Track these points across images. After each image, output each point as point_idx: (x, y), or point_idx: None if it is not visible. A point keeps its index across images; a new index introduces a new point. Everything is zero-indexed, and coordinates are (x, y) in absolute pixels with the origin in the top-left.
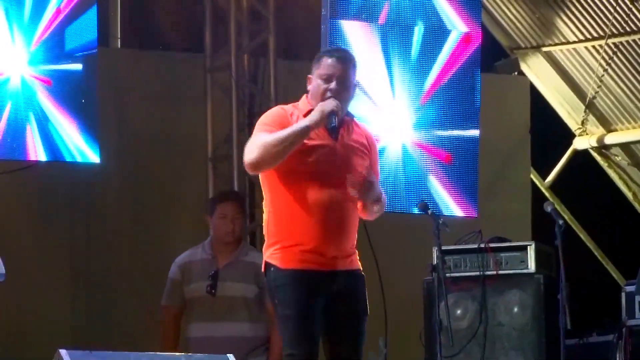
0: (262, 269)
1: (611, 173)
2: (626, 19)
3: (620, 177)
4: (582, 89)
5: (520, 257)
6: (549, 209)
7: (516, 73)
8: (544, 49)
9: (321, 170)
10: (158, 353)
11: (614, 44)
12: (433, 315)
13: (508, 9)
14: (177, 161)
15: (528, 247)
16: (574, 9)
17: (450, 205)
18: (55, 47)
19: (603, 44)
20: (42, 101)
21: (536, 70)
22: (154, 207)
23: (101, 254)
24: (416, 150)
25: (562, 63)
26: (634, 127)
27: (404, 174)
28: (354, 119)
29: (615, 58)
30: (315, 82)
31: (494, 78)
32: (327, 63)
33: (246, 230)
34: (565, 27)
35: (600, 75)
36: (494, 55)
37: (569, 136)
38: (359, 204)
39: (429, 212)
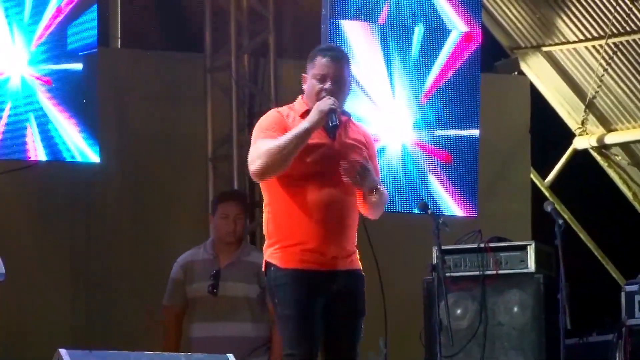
0: (263, 269)
1: (611, 173)
2: (626, 18)
3: (620, 177)
4: (582, 88)
5: (520, 256)
6: (549, 208)
7: (516, 73)
8: (544, 48)
9: (320, 170)
10: (158, 353)
11: (614, 43)
12: (433, 315)
13: (508, 8)
14: (177, 161)
15: (528, 246)
16: (574, 9)
17: (450, 205)
18: (55, 47)
19: (603, 44)
20: (42, 101)
21: (536, 70)
22: (154, 207)
23: (101, 254)
24: (416, 150)
25: (562, 63)
26: (634, 127)
27: (404, 174)
28: (350, 117)
29: (615, 58)
30: (310, 82)
31: (494, 78)
32: (321, 63)
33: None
34: (565, 27)
35: (600, 75)
36: (494, 55)
37: (569, 136)
38: (359, 199)
39: (429, 211)
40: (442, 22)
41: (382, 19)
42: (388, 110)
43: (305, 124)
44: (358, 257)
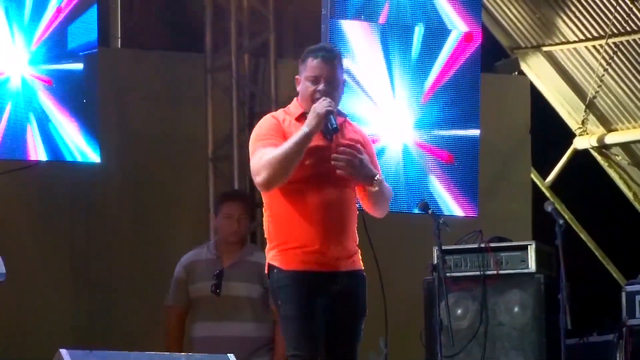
0: (266, 271)
1: (611, 173)
2: (626, 18)
3: (621, 177)
4: (583, 88)
5: (521, 256)
6: (549, 208)
7: (516, 73)
8: (545, 48)
9: (318, 172)
10: (158, 353)
11: (614, 43)
12: (433, 315)
13: (508, 8)
14: (177, 161)
15: (528, 246)
16: (574, 9)
17: (451, 205)
18: (55, 47)
19: (603, 44)
20: (43, 101)
21: (536, 70)
22: (154, 207)
23: (101, 254)
24: (416, 150)
25: (563, 63)
26: (634, 127)
27: (404, 174)
28: (347, 117)
29: (615, 58)
30: (303, 85)
31: (494, 78)
32: (312, 64)
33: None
34: (565, 27)
35: (600, 75)
36: (494, 55)
37: (569, 136)
38: (361, 194)
39: (430, 211)
40: (442, 22)
41: (382, 19)
42: (388, 110)
43: (304, 129)
44: (360, 257)
